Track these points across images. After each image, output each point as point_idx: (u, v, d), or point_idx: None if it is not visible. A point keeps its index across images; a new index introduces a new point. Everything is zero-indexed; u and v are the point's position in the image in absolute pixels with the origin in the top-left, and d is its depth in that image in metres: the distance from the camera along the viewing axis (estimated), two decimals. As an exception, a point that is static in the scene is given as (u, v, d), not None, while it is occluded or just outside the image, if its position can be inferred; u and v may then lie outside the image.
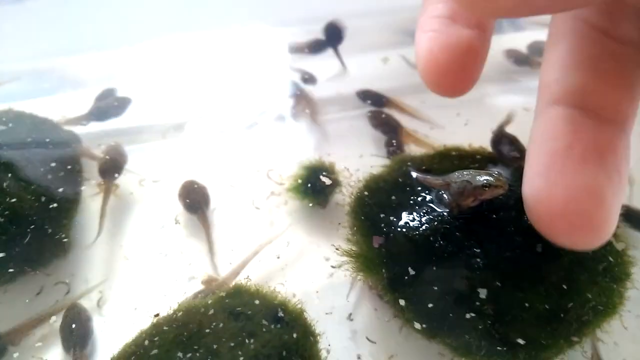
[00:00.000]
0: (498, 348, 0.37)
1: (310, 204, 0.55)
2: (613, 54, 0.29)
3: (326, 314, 0.48)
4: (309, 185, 0.55)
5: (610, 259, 0.40)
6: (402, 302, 0.40)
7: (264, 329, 0.40)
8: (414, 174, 0.46)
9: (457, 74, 0.29)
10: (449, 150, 0.49)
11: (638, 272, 0.42)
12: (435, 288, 0.39)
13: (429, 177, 0.45)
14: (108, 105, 0.67)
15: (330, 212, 0.56)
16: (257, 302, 0.43)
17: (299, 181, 0.55)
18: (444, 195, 0.42)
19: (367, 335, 0.47)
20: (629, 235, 0.50)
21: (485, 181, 0.38)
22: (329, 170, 0.56)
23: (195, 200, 0.56)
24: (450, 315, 0.38)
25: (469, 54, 0.29)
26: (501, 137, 0.57)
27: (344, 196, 0.53)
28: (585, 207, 0.26)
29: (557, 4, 0.23)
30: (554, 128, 0.28)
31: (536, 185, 0.28)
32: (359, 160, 0.59)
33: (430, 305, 0.39)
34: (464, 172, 0.40)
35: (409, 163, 0.48)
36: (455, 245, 0.40)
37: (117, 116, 0.67)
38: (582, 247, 0.27)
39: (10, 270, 0.48)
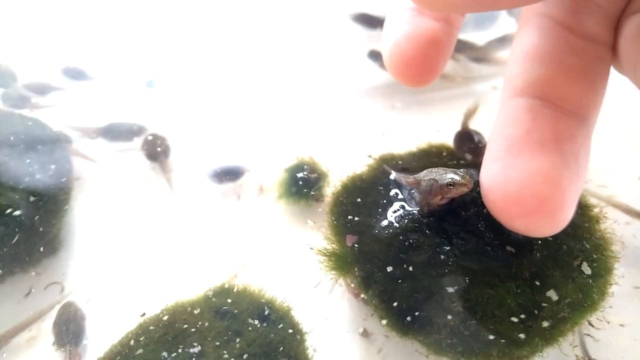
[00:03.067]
0: (470, 345, 0.37)
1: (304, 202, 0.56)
2: (577, 49, 0.29)
3: (313, 312, 0.48)
4: (297, 185, 0.55)
5: (587, 254, 0.40)
6: (374, 300, 0.40)
7: (250, 328, 0.41)
8: (391, 173, 0.46)
9: (420, 63, 0.29)
10: (431, 148, 0.49)
11: (620, 268, 0.42)
12: (406, 286, 0.39)
13: (402, 175, 0.45)
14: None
15: (322, 210, 0.56)
16: (243, 300, 0.43)
17: (287, 185, 0.56)
18: (415, 194, 0.43)
19: (356, 332, 0.47)
20: (616, 232, 0.51)
21: (450, 179, 0.38)
22: (311, 167, 0.57)
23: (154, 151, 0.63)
24: (421, 312, 0.39)
25: (433, 44, 0.29)
26: (463, 133, 0.57)
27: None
28: (540, 191, 0.26)
29: (504, 1, 0.23)
30: (515, 116, 0.29)
31: (493, 169, 0.28)
32: (342, 157, 0.59)
33: (401, 303, 0.39)
34: (433, 171, 0.41)
35: (388, 162, 0.48)
36: (426, 243, 0.40)
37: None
38: (537, 233, 0.27)
39: (-1, 270, 0.49)
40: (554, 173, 0.26)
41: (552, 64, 0.29)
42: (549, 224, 0.26)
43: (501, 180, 0.27)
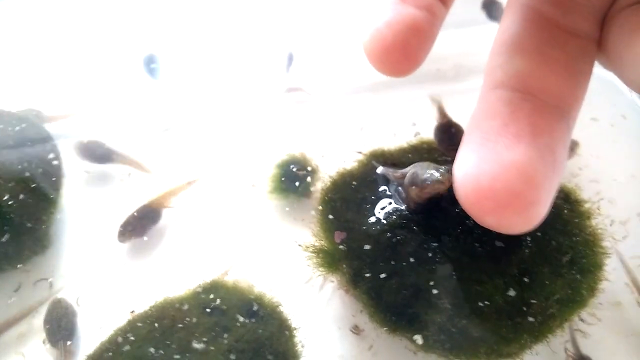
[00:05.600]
0: (458, 342, 0.37)
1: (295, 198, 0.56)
2: (561, 43, 0.29)
3: (304, 307, 0.48)
4: (287, 181, 0.55)
5: (576, 250, 0.40)
6: (362, 297, 0.40)
7: (238, 324, 0.40)
8: (379, 168, 0.46)
9: (400, 51, 0.29)
10: (422, 144, 0.49)
11: (611, 264, 0.42)
12: (393, 283, 0.39)
13: (390, 170, 0.44)
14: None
15: (313, 205, 0.56)
16: (232, 296, 0.43)
17: (277, 180, 0.56)
18: (401, 190, 0.42)
19: (347, 328, 0.47)
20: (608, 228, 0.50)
21: (428, 175, 0.37)
22: (302, 163, 0.57)
23: None
24: (408, 309, 0.38)
25: (413, 32, 0.29)
26: (443, 126, 0.56)
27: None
28: (513, 184, 0.25)
29: None
30: (492, 109, 0.28)
31: (466, 162, 0.27)
32: (334, 153, 0.59)
33: (389, 299, 0.39)
34: (417, 165, 0.40)
35: (378, 158, 0.48)
36: (413, 239, 0.40)
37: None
38: (510, 229, 0.26)
39: (-12, 267, 0.49)
40: (529, 167, 0.25)
41: (534, 56, 0.29)
42: (521, 219, 0.26)
43: (474, 174, 0.26)
